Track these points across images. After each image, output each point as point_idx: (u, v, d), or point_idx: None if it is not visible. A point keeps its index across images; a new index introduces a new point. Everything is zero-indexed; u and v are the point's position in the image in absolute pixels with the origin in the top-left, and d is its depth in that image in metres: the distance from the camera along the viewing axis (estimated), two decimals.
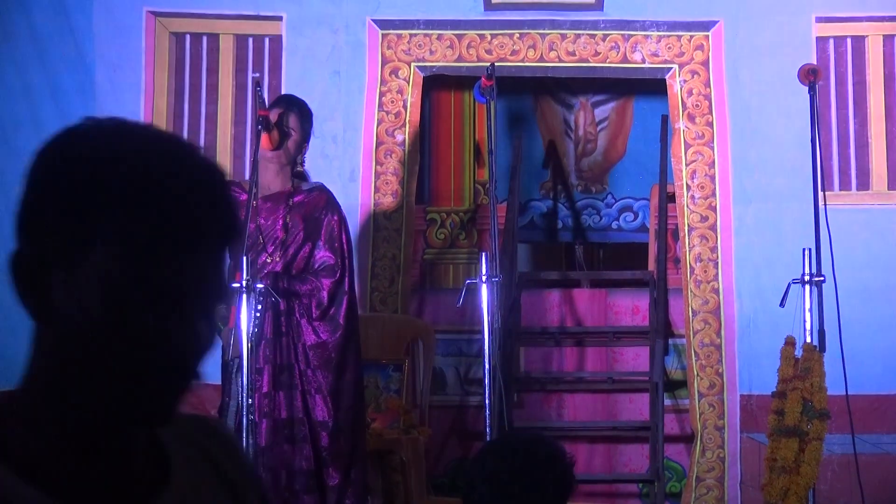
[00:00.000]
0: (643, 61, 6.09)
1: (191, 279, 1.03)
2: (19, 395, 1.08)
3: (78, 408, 1.05)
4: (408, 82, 6.08)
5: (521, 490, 2.55)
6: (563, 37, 6.10)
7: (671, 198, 6.29)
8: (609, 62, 6.11)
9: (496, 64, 5.31)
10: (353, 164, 6.05)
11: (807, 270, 4.60)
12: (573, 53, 6.11)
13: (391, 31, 6.10)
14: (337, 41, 6.11)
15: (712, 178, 6.02)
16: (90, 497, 1.06)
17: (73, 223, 1.02)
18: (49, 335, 1.06)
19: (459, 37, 6.09)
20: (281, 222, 4.73)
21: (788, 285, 4.59)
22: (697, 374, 5.89)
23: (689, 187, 6.02)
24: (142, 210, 1.01)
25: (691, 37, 6.05)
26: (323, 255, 4.68)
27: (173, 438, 1.15)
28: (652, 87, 6.63)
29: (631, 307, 6.55)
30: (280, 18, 6.14)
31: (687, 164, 6.03)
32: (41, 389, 1.06)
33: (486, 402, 4.76)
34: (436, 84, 6.65)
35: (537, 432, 3.82)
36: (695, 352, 5.91)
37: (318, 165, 5.51)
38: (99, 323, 1.02)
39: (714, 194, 6.02)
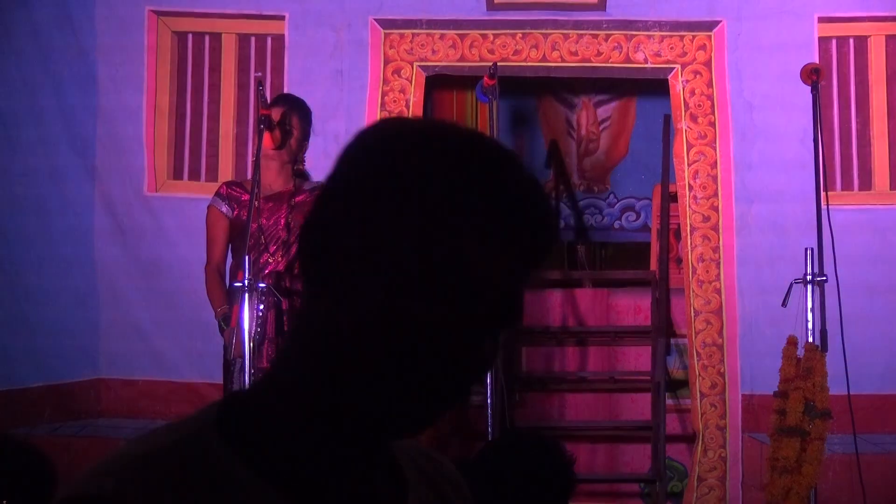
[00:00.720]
0: (646, 61, 6.09)
1: (500, 296, 0.99)
2: (267, 392, 1.03)
3: (341, 409, 1.00)
4: (410, 82, 6.08)
5: (523, 490, 2.55)
6: (566, 37, 6.10)
7: (673, 197, 6.29)
8: (612, 62, 6.10)
9: (498, 64, 5.32)
10: None
11: (809, 270, 4.60)
12: (576, 53, 6.10)
13: (393, 31, 6.10)
14: (339, 40, 6.11)
15: (714, 177, 6.02)
16: None
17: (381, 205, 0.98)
18: (316, 327, 1.00)
19: (462, 36, 6.09)
20: (283, 222, 4.74)
21: (790, 285, 4.59)
22: (699, 374, 5.88)
23: (691, 187, 6.02)
24: (468, 207, 0.97)
25: (694, 37, 6.05)
26: None
27: (405, 460, 1.12)
28: (654, 86, 6.63)
29: (633, 307, 6.55)
30: (283, 17, 6.14)
31: (689, 164, 6.03)
32: (301, 388, 1.01)
33: (488, 401, 4.77)
34: (438, 84, 6.65)
35: (539, 432, 3.82)
36: (696, 351, 5.91)
37: (321, 165, 5.49)
38: (381, 313, 0.97)
39: (716, 194, 6.01)
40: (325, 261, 0.99)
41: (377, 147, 1.02)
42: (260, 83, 5.03)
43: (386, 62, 6.10)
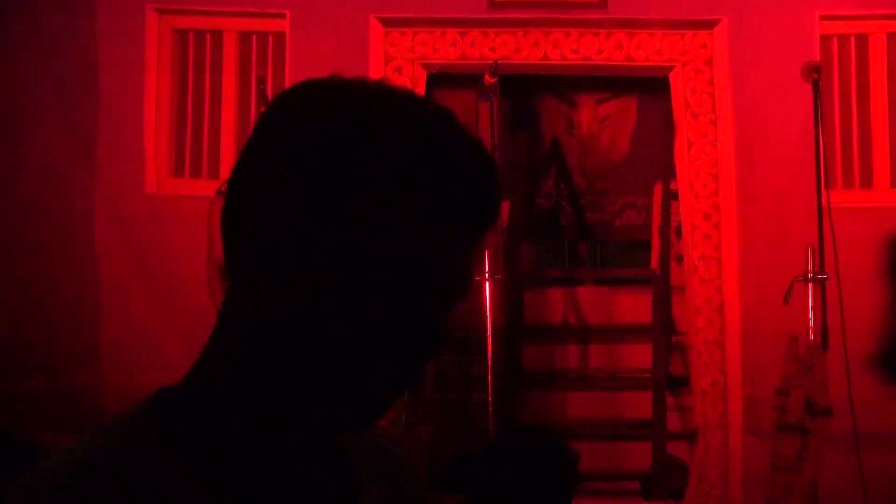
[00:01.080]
0: (647, 59, 6.09)
1: (442, 264, 0.92)
2: (202, 386, 0.98)
3: (281, 399, 0.94)
4: (411, 80, 6.08)
5: (527, 487, 2.56)
6: (567, 35, 6.10)
7: (674, 195, 6.29)
8: (613, 60, 6.11)
9: (499, 62, 5.32)
10: None
11: (810, 268, 4.61)
12: (577, 51, 6.10)
13: (395, 29, 6.10)
14: (340, 38, 6.11)
15: (715, 176, 6.02)
16: (276, 501, 0.96)
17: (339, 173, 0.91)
18: (249, 310, 0.95)
19: (463, 34, 6.09)
20: None
21: (791, 283, 4.59)
22: (700, 372, 5.89)
23: (692, 185, 6.02)
24: (408, 172, 0.91)
25: (695, 35, 6.05)
26: None
27: (358, 453, 1.07)
28: (655, 84, 6.62)
29: (634, 305, 6.55)
30: (284, 15, 6.14)
31: (690, 162, 6.03)
32: (236, 376, 0.96)
33: (489, 399, 4.78)
34: (439, 82, 6.65)
35: (543, 429, 3.83)
36: (697, 349, 5.91)
37: None
38: (328, 293, 0.90)
39: (717, 192, 6.02)
40: (253, 242, 0.92)
41: (301, 118, 0.93)
42: (261, 81, 5.03)
43: (387, 60, 6.10)
